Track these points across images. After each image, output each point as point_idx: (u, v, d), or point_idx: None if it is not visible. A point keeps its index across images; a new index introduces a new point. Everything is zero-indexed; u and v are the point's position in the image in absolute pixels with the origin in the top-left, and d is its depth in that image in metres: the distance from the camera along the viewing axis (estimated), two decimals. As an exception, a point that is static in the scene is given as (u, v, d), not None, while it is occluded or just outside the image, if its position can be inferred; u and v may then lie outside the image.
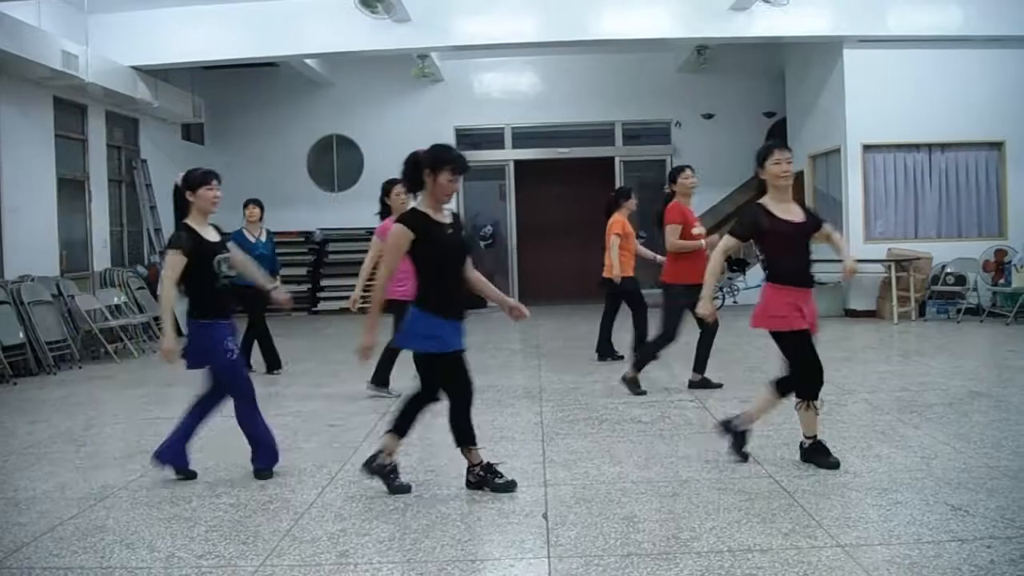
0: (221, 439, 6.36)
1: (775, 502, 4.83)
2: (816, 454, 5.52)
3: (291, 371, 9.92)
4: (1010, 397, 7.62)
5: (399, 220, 5.03)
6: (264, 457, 5.67)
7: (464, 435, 5.26)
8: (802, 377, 5.46)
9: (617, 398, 8.05)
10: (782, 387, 5.53)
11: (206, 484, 5.51)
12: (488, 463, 5.30)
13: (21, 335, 10.54)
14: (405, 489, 5.22)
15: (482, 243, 18.27)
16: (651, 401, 7.81)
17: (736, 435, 5.67)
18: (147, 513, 4.98)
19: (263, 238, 10.02)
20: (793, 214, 5.46)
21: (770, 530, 4.38)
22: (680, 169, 8.46)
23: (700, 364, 8.33)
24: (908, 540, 4.19)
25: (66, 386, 9.76)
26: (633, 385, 8.12)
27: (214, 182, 5.56)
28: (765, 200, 5.51)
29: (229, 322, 5.60)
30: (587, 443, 6.20)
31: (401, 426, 5.25)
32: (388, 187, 8.12)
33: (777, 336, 5.45)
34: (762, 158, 5.49)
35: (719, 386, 8.20)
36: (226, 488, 5.42)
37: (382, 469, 5.23)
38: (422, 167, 5.02)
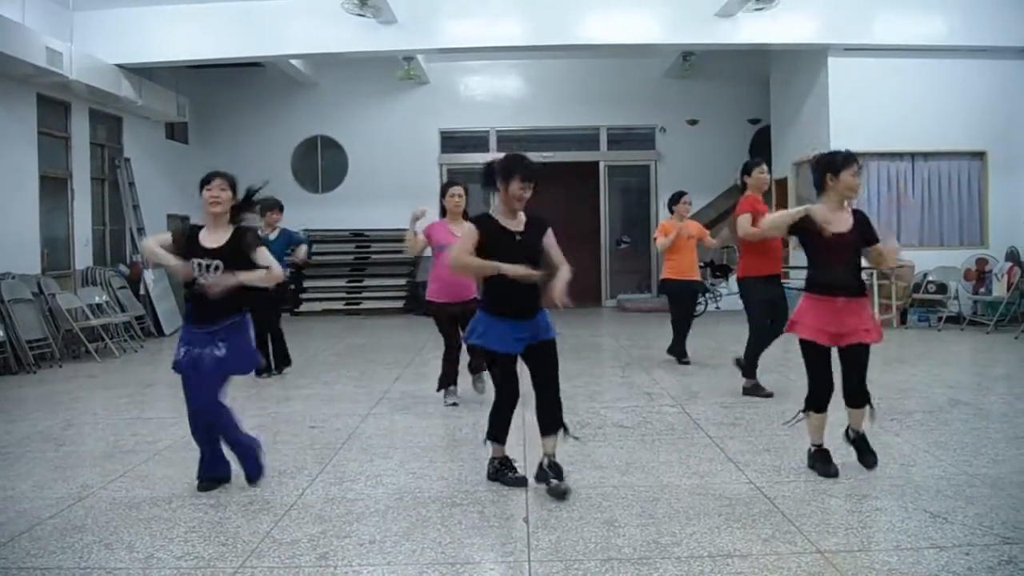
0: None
1: (755, 508, 4.84)
2: (818, 461, 5.57)
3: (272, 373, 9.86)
4: (990, 405, 7.67)
5: (471, 219, 5.31)
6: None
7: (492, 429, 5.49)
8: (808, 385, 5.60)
9: (599, 403, 8.06)
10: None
11: (186, 485, 5.48)
12: (506, 456, 5.52)
13: (1, 333, 10.48)
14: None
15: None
16: (633, 406, 7.82)
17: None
18: (126, 513, 4.96)
19: (272, 236, 9.92)
20: (840, 223, 5.43)
21: (750, 536, 4.40)
22: (756, 163, 8.31)
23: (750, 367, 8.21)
24: (887, 547, 4.21)
25: (46, 385, 9.71)
26: (756, 391, 8.07)
27: (212, 182, 5.47)
28: (818, 208, 5.46)
29: (196, 327, 5.40)
30: (568, 447, 6.18)
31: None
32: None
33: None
34: (838, 167, 5.41)
35: (770, 395, 8.03)
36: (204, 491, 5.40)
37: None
38: (495, 175, 5.19)
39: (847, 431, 5.66)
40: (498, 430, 5.43)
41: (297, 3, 13.61)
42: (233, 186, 5.53)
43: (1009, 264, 13.19)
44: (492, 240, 5.13)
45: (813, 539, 4.31)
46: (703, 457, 5.97)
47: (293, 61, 16.15)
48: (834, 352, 5.47)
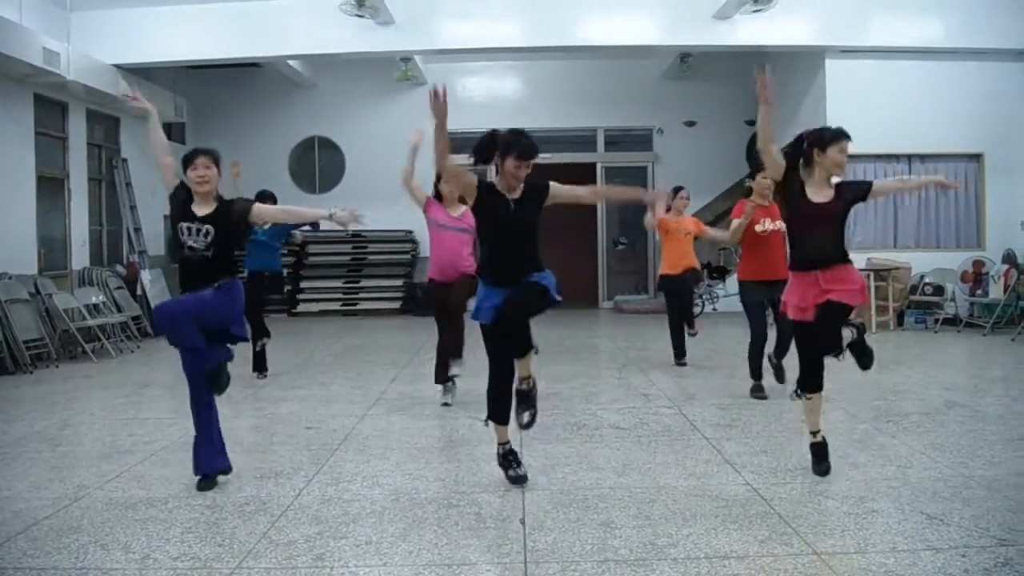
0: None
1: (752, 509, 4.84)
2: (812, 455, 5.57)
3: (269, 372, 9.83)
4: (986, 407, 7.67)
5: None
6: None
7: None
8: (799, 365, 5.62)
9: (596, 404, 8.06)
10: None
11: (183, 485, 5.48)
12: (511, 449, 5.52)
13: (-2, 334, 10.48)
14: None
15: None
16: (630, 407, 7.82)
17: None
18: (122, 514, 4.95)
19: (265, 227, 9.80)
20: (822, 195, 5.42)
21: (747, 537, 4.39)
22: (761, 169, 8.36)
23: (778, 359, 8.21)
24: (883, 548, 4.21)
25: (42, 385, 9.70)
26: (756, 392, 8.11)
27: (197, 160, 5.47)
28: (805, 177, 5.47)
29: (187, 296, 5.41)
30: (565, 449, 6.20)
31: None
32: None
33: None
34: (826, 142, 5.40)
35: (765, 397, 8.02)
36: (201, 491, 5.39)
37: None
38: (496, 147, 5.28)
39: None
40: (496, 409, 5.40)
41: (295, 4, 13.61)
42: (217, 162, 5.54)
43: (1006, 266, 13.21)
44: (486, 200, 5.24)
45: (810, 541, 4.31)
46: (700, 459, 5.97)
47: (291, 62, 16.16)
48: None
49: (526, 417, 5.28)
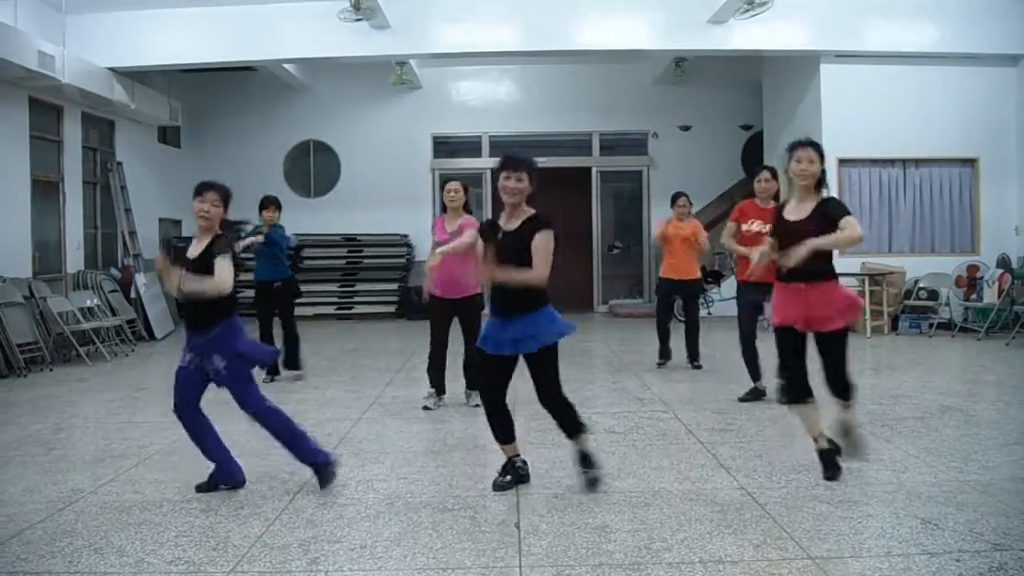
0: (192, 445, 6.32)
1: (747, 514, 4.84)
2: (821, 458, 5.56)
3: (262, 376, 9.80)
4: (981, 412, 7.68)
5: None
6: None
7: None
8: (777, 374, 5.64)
9: (590, 408, 8.04)
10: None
11: (177, 489, 5.47)
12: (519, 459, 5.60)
13: (-9, 336, 10.45)
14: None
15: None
16: (624, 412, 7.82)
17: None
18: (117, 518, 4.94)
19: (286, 233, 9.90)
20: (798, 212, 5.46)
21: (741, 542, 4.39)
22: (760, 169, 8.43)
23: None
24: (878, 553, 4.21)
25: (36, 388, 9.67)
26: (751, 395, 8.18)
27: (205, 195, 5.41)
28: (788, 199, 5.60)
29: (194, 333, 5.43)
30: (560, 453, 6.19)
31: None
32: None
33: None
34: (788, 156, 5.53)
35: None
36: (197, 494, 5.38)
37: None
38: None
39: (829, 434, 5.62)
40: (497, 429, 5.52)
41: (290, 7, 13.59)
42: (226, 201, 5.46)
43: (1000, 271, 13.22)
44: (484, 236, 5.38)
45: (804, 545, 4.31)
46: (694, 463, 5.98)
47: (286, 65, 16.13)
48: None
49: (592, 475, 5.43)
